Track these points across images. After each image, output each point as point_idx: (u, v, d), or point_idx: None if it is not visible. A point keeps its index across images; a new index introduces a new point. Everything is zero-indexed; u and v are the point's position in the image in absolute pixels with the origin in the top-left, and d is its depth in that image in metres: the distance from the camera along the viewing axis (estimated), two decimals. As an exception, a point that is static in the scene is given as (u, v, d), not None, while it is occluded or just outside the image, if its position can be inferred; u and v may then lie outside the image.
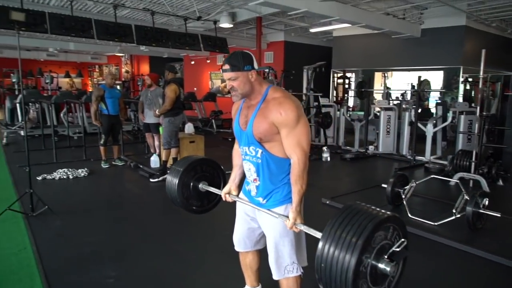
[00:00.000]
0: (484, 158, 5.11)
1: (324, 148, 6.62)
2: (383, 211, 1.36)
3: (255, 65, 1.72)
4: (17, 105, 9.33)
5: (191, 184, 2.15)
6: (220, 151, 7.28)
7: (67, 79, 16.47)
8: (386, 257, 1.32)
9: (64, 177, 5.10)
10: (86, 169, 5.42)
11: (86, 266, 2.64)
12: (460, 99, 8.57)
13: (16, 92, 10.46)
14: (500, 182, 4.91)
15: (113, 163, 5.95)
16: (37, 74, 14.81)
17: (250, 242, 2.00)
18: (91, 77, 19.88)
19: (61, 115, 9.04)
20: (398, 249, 1.35)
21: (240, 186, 1.99)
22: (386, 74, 12.20)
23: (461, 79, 8.83)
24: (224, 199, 1.98)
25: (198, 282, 2.45)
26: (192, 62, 14.69)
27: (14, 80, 10.78)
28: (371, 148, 7.17)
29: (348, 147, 7.68)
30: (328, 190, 4.61)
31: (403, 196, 3.72)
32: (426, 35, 9.14)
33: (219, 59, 14.10)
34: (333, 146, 8.04)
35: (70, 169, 5.30)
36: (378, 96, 11.15)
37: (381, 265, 1.31)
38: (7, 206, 3.47)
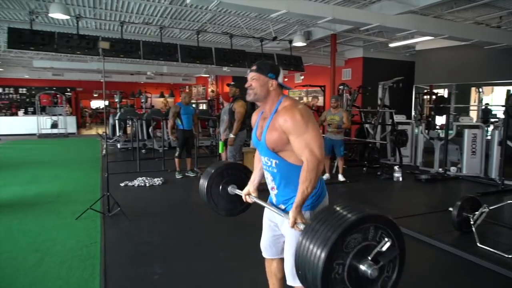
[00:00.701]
0: None
1: (396, 167, 6.21)
2: (361, 210, 1.30)
3: (279, 79, 1.82)
4: (116, 121, 10.75)
5: (220, 187, 2.28)
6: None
7: (161, 99, 18.35)
8: (370, 258, 1.26)
9: (142, 184, 5.70)
10: (161, 178, 5.99)
11: (139, 263, 2.94)
12: None
13: (118, 111, 12.01)
14: None
15: (186, 174, 6.45)
16: (137, 95, 16.87)
17: (276, 249, 2.03)
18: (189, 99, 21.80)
19: (150, 130, 10.10)
20: (383, 249, 1.27)
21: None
22: (481, 89, 10.97)
23: None
24: (244, 199, 2.07)
25: (228, 285, 2.54)
26: (271, 81, 15.19)
27: (116, 100, 12.45)
28: (453, 169, 6.49)
29: (426, 168, 7.07)
30: (390, 211, 4.33)
31: (472, 222, 3.32)
32: (526, 43, 8.05)
33: (297, 78, 14.31)
34: (410, 166, 7.48)
35: (148, 178, 5.91)
36: (474, 114, 10.09)
37: (362, 267, 1.25)
38: (88, 207, 4.04)
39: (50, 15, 6.46)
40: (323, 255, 1.20)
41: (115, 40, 7.79)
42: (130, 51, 8.02)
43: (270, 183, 1.87)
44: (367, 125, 8.08)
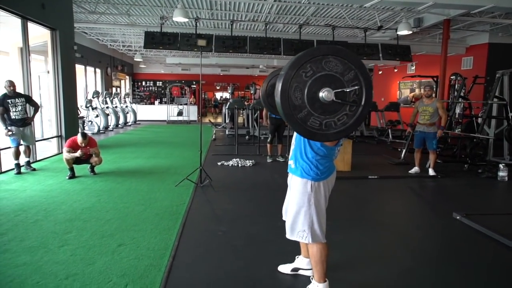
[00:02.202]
0: None
1: (501, 165, 5.54)
2: (356, 55, 1.51)
3: None
4: (226, 110, 11.98)
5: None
6: (377, 158, 7.22)
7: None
8: (334, 91, 1.48)
9: (235, 165, 6.46)
10: (253, 161, 6.66)
11: (210, 222, 3.58)
12: None
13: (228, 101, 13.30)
14: None
15: (276, 159, 6.98)
16: (250, 86, 18.19)
17: None
18: (292, 89, 22.46)
19: (253, 119, 10.97)
20: (347, 91, 1.48)
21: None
22: None
23: None
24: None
25: (274, 244, 2.92)
26: (380, 72, 14.52)
27: (229, 91, 13.80)
28: None
29: (550, 170, 6.03)
30: (472, 208, 4.04)
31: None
32: None
33: (409, 68, 13.38)
34: (529, 167, 6.48)
35: (241, 159, 6.65)
36: None
37: (323, 91, 1.49)
38: (185, 177, 4.92)
39: (174, 19, 7.69)
40: (304, 52, 1.50)
41: (225, 37, 8.78)
42: (238, 46, 8.92)
43: (293, 140, 2.22)
44: (478, 119, 7.26)
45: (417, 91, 13.15)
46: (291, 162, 2.21)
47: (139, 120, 15.93)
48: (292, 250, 2.66)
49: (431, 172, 5.69)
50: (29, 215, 3.63)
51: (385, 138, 10.24)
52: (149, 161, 6.73)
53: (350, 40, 9.85)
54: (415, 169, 5.89)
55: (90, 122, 11.56)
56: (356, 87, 1.52)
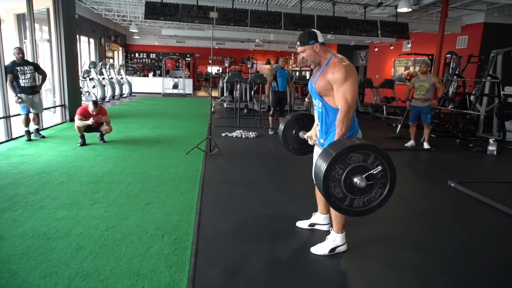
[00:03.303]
0: None
1: (491, 140, 5.91)
2: (369, 143, 1.79)
3: (320, 39, 2.30)
4: (224, 84, 12.07)
5: (293, 131, 2.95)
6: (372, 133, 7.52)
7: (268, 66, 19.34)
8: (364, 176, 1.78)
9: (239, 136, 6.69)
10: (256, 133, 6.90)
11: (226, 185, 3.84)
12: None
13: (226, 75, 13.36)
14: None
15: (277, 131, 7.22)
16: (246, 61, 18.16)
17: None
18: (287, 64, 22.45)
19: (252, 93, 11.12)
20: (375, 172, 1.76)
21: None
22: None
23: None
24: (307, 140, 2.65)
25: (289, 205, 3.21)
26: (376, 49, 14.67)
27: (226, 65, 13.81)
28: None
29: (536, 146, 6.46)
30: (464, 177, 4.39)
31: (541, 190, 3.30)
32: None
33: (405, 46, 13.56)
34: (516, 143, 6.89)
35: (244, 131, 6.88)
36: None
37: (356, 179, 1.78)
38: (196, 145, 5.15)
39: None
40: (330, 158, 1.76)
41: (226, 10, 8.78)
42: (239, 20, 8.94)
43: (316, 120, 2.43)
44: (471, 96, 7.58)
45: (411, 69, 13.41)
46: (322, 141, 2.41)
47: (134, 92, 15.88)
48: (306, 210, 2.95)
49: (426, 145, 6.03)
50: (53, 177, 3.83)
51: (380, 114, 10.55)
52: (154, 131, 6.91)
53: (349, 16, 9.92)
54: (410, 143, 6.22)
55: (87, 93, 11.54)
56: (380, 167, 1.81)
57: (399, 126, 7.44)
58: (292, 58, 21.89)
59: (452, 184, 4.03)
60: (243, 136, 6.69)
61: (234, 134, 6.77)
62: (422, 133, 6.28)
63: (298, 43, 2.33)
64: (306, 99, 5.96)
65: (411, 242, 2.72)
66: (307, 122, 2.95)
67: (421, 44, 12.04)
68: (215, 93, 16.61)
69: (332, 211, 2.42)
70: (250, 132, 6.86)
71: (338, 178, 1.82)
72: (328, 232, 2.60)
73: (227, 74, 13.18)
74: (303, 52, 2.31)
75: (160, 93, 16.26)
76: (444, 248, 2.66)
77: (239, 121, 7.92)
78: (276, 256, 2.44)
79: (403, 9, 8.47)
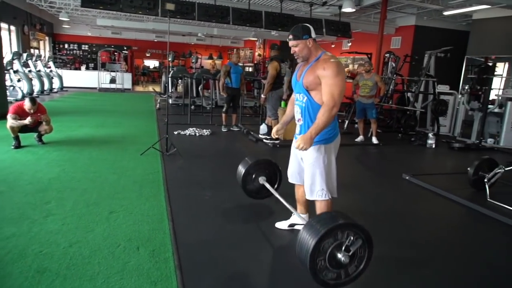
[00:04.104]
0: None
1: (430, 134, 6.43)
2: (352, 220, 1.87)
3: (313, 35, 2.27)
4: (169, 79, 11.57)
5: (253, 176, 3.08)
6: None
7: (209, 61, 19.02)
8: (343, 249, 1.83)
9: (192, 134, 6.45)
10: (209, 130, 6.71)
11: (193, 187, 3.65)
12: None
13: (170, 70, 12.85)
14: None
15: (231, 128, 7.11)
16: (187, 55, 17.64)
17: (300, 177, 2.59)
18: (229, 59, 22.31)
19: (199, 88, 10.83)
20: (349, 244, 1.83)
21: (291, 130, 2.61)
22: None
23: None
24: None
25: (263, 204, 3.15)
26: (318, 47, 15.18)
27: (169, 59, 13.25)
28: (490, 140, 6.58)
29: (463, 139, 7.17)
30: (415, 170, 4.70)
31: (486, 181, 3.65)
32: None
33: (345, 44, 14.21)
34: (448, 136, 7.60)
35: (197, 129, 6.65)
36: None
37: (339, 254, 1.83)
38: (150, 146, 4.84)
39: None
40: (310, 249, 1.80)
41: (172, 2, 8.38)
42: (186, 12, 8.59)
43: (298, 116, 2.39)
44: (408, 94, 8.18)
45: (350, 66, 14.11)
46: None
47: (65, 87, 14.56)
48: (281, 208, 2.90)
49: (374, 140, 6.37)
50: (-11, 187, 3.32)
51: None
52: (99, 130, 6.37)
53: (296, 14, 10.10)
54: (360, 138, 6.52)
55: (12, 87, 10.30)
56: (360, 241, 1.87)
57: (346, 122, 7.77)
58: (234, 53, 21.77)
59: (407, 177, 4.29)
60: (197, 134, 6.47)
61: (187, 132, 6.51)
62: (369, 128, 6.62)
63: (290, 36, 2.27)
64: (263, 96, 5.93)
65: (385, 237, 2.83)
66: (269, 168, 3.16)
67: (360, 43, 12.70)
68: (157, 88, 15.89)
69: (319, 209, 2.40)
70: (204, 130, 6.66)
71: (324, 259, 1.83)
72: None
73: (169, 69, 12.65)
74: (296, 46, 2.26)
75: (95, 88, 15.12)
76: (415, 241, 2.80)
77: (190, 118, 7.65)
78: (266, 260, 2.37)
79: (347, 9, 8.83)
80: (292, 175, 2.64)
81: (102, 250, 2.31)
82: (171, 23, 15.31)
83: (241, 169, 3.10)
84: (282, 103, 6.48)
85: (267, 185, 3.02)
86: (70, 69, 17.51)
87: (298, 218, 2.77)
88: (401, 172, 4.52)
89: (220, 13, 8.92)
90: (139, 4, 8.01)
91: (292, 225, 2.78)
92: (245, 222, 2.93)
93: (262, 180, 3.09)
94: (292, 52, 2.33)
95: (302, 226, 1.97)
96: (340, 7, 9.77)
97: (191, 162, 4.62)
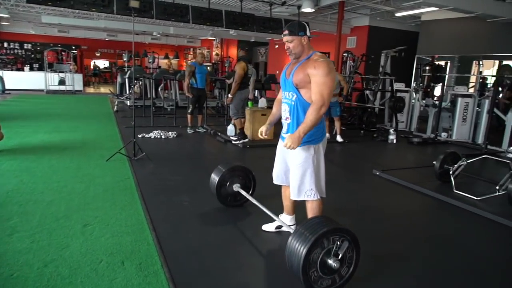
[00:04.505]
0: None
1: (391, 131, 6.74)
2: (336, 224, 1.89)
3: (308, 33, 2.26)
4: (126, 80, 11.09)
5: (228, 183, 3.03)
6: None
7: (165, 60, 18.50)
8: (332, 255, 1.85)
9: (158, 136, 6.22)
10: (175, 132, 6.50)
11: (169, 193, 3.50)
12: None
13: (126, 70, 12.32)
14: None
15: (197, 130, 6.95)
16: (142, 55, 17.01)
17: (287, 178, 2.56)
18: (186, 59, 21.87)
19: (159, 89, 10.48)
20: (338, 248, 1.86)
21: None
22: (481, 62, 11.28)
23: None
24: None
25: (246, 208, 3.09)
26: (276, 46, 15.33)
27: (125, 59, 12.69)
28: (444, 135, 7.03)
29: (420, 134, 7.60)
30: (383, 165, 4.88)
31: (451, 173, 3.88)
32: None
33: (302, 44, 14.49)
34: (405, 131, 8.01)
35: (163, 131, 6.41)
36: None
37: (330, 260, 1.84)
38: (116, 151, 4.59)
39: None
40: (301, 265, 1.80)
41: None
42: (144, 10, 8.24)
43: (286, 114, 2.35)
44: (367, 91, 8.50)
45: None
46: (288, 135, 2.35)
47: (7, 89, 13.42)
48: (262, 210, 2.86)
49: (339, 138, 6.53)
50: None
51: (287, 109, 11.06)
52: (54, 136, 5.93)
53: (256, 14, 10.10)
54: (326, 136, 6.65)
55: None
56: (346, 243, 1.89)
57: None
58: (191, 53, 21.39)
59: (377, 173, 4.44)
60: (163, 137, 6.24)
61: (152, 134, 6.26)
62: (333, 126, 6.79)
63: (286, 31, 2.25)
64: (230, 95, 5.84)
65: (367, 233, 2.89)
66: (242, 175, 3.12)
67: (317, 43, 13.00)
68: (104, 90, 15.18)
69: (310, 209, 2.39)
70: (170, 132, 6.44)
71: (315, 262, 1.83)
72: None
73: (125, 69, 12.13)
74: (291, 42, 2.24)
75: (42, 90, 14.11)
76: (395, 234, 2.90)
77: (153, 120, 7.37)
78: (258, 265, 2.32)
79: (307, 9, 8.99)
80: (278, 177, 2.61)
81: (83, 267, 2.13)
82: (123, 21, 14.72)
83: (215, 178, 3.02)
84: (249, 103, 6.45)
85: (243, 193, 2.99)
86: (12, 70, 16.18)
87: (285, 219, 2.75)
88: (370, 168, 4.68)
89: (179, 11, 8.66)
90: (93, 1, 7.56)
91: (279, 226, 2.75)
92: (229, 226, 2.85)
93: (236, 187, 3.04)
94: (286, 48, 2.30)
95: (289, 238, 1.95)
96: (299, 7, 9.94)
97: (162, 167, 4.44)
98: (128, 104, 10.54)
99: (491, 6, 8.03)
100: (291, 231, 2.66)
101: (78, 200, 3.17)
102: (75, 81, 14.80)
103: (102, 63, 22.69)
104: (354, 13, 11.53)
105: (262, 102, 6.59)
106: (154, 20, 12.62)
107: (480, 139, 6.61)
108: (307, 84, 2.19)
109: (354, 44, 12.34)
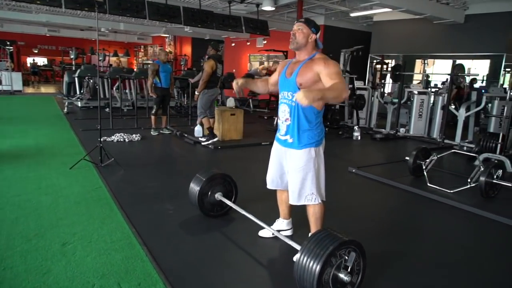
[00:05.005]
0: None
1: (355, 127, 6.95)
2: (343, 236, 1.82)
3: (318, 35, 2.23)
4: (76, 79, 10.32)
5: (209, 193, 2.87)
6: (257, 126, 7.80)
7: (114, 58, 17.54)
8: (342, 269, 1.81)
9: (121, 140, 5.84)
10: (139, 135, 6.14)
11: (150, 202, 3.26)
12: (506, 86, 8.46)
13: (74, 68, 11.48)
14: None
15: (161, 131, 6.64)
16: (89, 52, 15.98)
17: (283, 182, 2.49)
18: (136, 57, 20.94)
19: (114, 89, 9.89)
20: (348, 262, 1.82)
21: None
22: (426, 61, 12.06)
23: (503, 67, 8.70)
24: (234, 82, 2.49)
25: (237, 215, 2.98)
26: (233, 44, 15.18)
27: (72, 57, 11.81)
28: (402, 130, 7.39)
29: (379, 129, 7.93)
30: (356, 162, 5.00)
31: (424, 168, 4.06)
32: (470, 21, 9.03)
33: (259, 42, 14.49)
34: (365, 128, 8.32)
35: (126, 134, 6.03)
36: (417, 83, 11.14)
37: (341, 275, 1.79)
38: (81, 157, 4.22)
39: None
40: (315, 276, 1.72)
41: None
42: (92, 4, 7.72)
43: (286, 115, 2.25)
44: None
45: (265, 63, 14.46)
46: (287, 137, 2.28)
47: None
48: (263, 216, 2.78)
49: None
50: None
51: (247, 108, 11.02)
52: (2, 142, 5.33)
53: (214, 11, 9.90)
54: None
55: None
56: (354, 254, 1.84)
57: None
58: (142, 50, 20.52)
59: (353, 170, 4.53)
60: (126, 140, 5.87)
61: (114, 138, 5.86)
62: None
63: (303, 19, 2.22)
64: (196, 93, 5.62)
65: (355, 232, 2.92)
66: (223, 182, 2.96)
67: (275, 41, 13.07)
68: (47, 90, 14.05)
69: (311, 214, 2.34)
70: (133, 135, 6.07)
71: (327, 281, 1.77)
72: (292, 236, 2.59)
73: (73, 67, 11.29)
74: (300, 30, 2.19)
75: (-26, 91, 12.70)
76: (382, 230, 2.96)
77: (112, 122, 6.90)
78: (263, 276, 2.22)
79: (267, 8, 8.98)
80: (273, 181, 2.52)
81: (74, 294, 1.89)
82: (68, 16, 13.65)
83: (194, 189, 2.85)
84: (215, 102, 6.27)
85: (228, 202, 2.85)
86: None
87: (282, 224, 2.68)
88: (343, 165, 4.76)
89: (135, 7, 8.22)
90: (35, -7, 6.93)
91: (276, 231, 2.67)
92: (221, 235, 2.72)
93: (219, 196, 2.89)
94: (292, 32, 2.22)
95: (294, 261, 1.86)
96: (258, 5, 9.90)
97: (135, 173, 4.15)
98: (80, 105, 9.81)
99: (437, 8, 8.59)
100: (289, 234, 2.64)
101: (49, 216, 2.84)
102: (13, 80, 13.51)
103: (42, 61, 20.98)
104: (310, 12, 11.74)
105: (230, 102, 6.46)
106: (102, 15, 11.87)
107: (435, 134, 7.04)
108: (313, 83, 2.13)
109: (310, 43, 12.57)
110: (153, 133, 6.49)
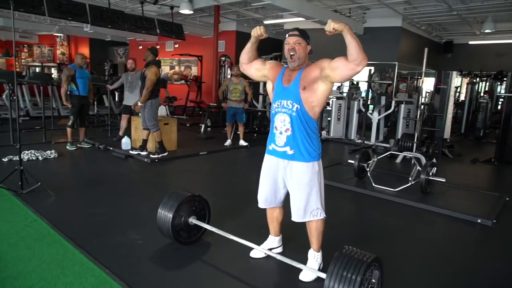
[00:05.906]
0: (421, 140, 6.07)
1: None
2: (367, 255, 1.81)
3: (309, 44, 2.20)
4: None
5: (182, 219, 2.58)
6: (183, 135, 7.41)
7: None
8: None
9: (33, 158, 4.94)
10: (53, 151, 5.27)
11: (109, 232, 2.80)
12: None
13: None
14: (434, 160, 5.90)
15: (79, 145, 5.83)
16: None
17: (275, 199, 2.39)
18: (18, 58, 18.05)
19: (3, 97, 8.35)
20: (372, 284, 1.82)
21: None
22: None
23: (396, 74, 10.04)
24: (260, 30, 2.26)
25: (212, 237, 2.77)
26: (140, 47, 14.23)
27: None
28: (324, 133, 7.91)
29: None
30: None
31: (368, 169, 4.40)
32: (368, 33, 10.16)
33: (169, 45, 13.93)
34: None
35: (36, 151, 5.11)
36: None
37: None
38: (-4, 184, 3.42)
39: None
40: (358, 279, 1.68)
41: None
42: (32, 5, 6.64)
43: (286, 125, 2.14)
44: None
45: (176, 68, 13.97)
46: (286, 149, 2.19)
47: None
48: (250, 235, 2.64)
49: (242, 142, 6.56)
50: None
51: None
52: None
53: (126, 11, 9.16)
54: (228, 142, 6.59)
55: None
56: (377, 272, 1.84)
57: (203, 126, 7.69)
58: (25, 50, 17.79)
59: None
60: (40, 158, 4.98)
61: (24, 156, 4.91)
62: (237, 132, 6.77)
63: (296, 32, 2.13)
64: (139, 103, 5.06)
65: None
66: (195, 204, 2.70)
67: (187, 45, 12.68)
68: None
69: (314, 229, 2.30)
70: (47, 151, 5.18)
71: None
72: (283, 252, 2.53)
73: None
74: (300, 43, 2.12)
75: None
76: (342, 231, 3.10)
77: (12, 137, 5.78)
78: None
79: (185, 11, 8.68)
80: (266, 199, 2.40)
81: None
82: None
83: (166, 218, 2.50)
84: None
85: (208, 227, 2.60)
86: None
87: (273, 241, 2.58)
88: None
89: (30, 1, 7.08)
90: None
91: (269, 250, 2.55)
92: (205, 264, 2.47)
93: (193, 220, 2.61)
94: (290, 47, 2.12)
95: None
96: (172, 7, 9.49)
97: (71, 198, 3.54)
98: (-45, 116, 8.00)
99: (340, 20, 9.42)
100: (279, 250, 2.55)
101: (-17, 267, 2.21)
102: None
103: None
104: (222, 17, 11.73)
105: (162, 110, 6.03)
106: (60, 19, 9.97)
107: (353, 135, 7.72)
108: (313, 82, 2.08)
109: (223, 48, 12.56)
110: (69, 148, 5.66)
